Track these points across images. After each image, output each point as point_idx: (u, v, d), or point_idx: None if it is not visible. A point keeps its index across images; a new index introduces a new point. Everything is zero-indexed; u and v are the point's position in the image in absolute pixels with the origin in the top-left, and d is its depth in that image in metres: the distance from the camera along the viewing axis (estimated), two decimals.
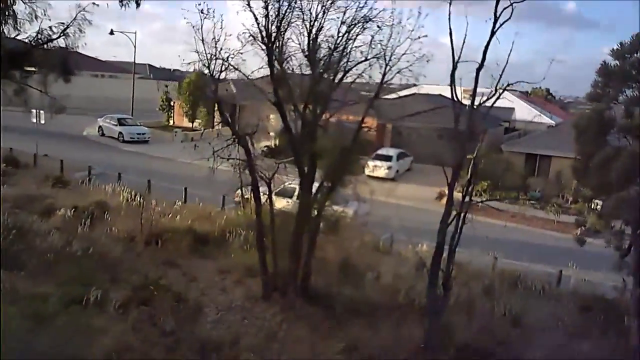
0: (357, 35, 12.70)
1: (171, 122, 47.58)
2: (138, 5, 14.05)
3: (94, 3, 14.69)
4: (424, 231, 15.68)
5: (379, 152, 35.54)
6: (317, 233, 14.05)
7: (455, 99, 12.26)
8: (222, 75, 12.16)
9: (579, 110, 60.67)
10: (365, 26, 12.61)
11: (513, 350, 12.05)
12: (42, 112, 25.30)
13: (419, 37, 12.57)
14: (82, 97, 53.47)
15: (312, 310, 12.66)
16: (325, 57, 12.50)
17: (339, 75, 13.04)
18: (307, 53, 12.31)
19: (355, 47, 12.88)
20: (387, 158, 34.77)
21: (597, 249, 13.99)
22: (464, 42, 12.00)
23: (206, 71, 11.96)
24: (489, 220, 23.10)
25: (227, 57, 12.02)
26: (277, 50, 12.05)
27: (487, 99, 11.41)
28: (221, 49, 11.98)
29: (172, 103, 47.69)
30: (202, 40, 11.65)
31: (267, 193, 13.68)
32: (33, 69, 14.51)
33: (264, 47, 11.97)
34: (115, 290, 12.46)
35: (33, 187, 20.73)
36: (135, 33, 63.04)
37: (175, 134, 41.44)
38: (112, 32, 48.45)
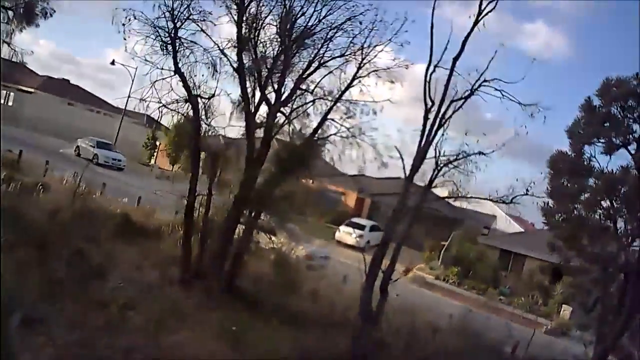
0: (335, 30, 12.27)
1: (152, 161, 46.44)
2: None
3: None
4: None
5: (353, 219, 34.33)
6: (251, 236, 12.88)
7: (429, 98, 11.48)
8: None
9: None
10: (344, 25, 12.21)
11: None
12: (12, 94, 24.19)
13: (402, 45, 12.35)
14: (71, 125, 52.77)
15: (231, 301, 11.01)
16: (298, 34, 11.86)
17: (313, 66, 12.45)
18: (278, 25, 11.67)
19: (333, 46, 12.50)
20: (360, 227, 33.37)
21: None
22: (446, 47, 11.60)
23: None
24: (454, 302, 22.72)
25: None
26: (248, 11, 11.39)
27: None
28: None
29: (157, 143, 46.79)
30: None
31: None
32: None
33: (235, 6, 11.33)
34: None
35: None
36: (136, 69, 58.89)
37: (152, 168, 40.29)
38: (113, 63, 48.71)
